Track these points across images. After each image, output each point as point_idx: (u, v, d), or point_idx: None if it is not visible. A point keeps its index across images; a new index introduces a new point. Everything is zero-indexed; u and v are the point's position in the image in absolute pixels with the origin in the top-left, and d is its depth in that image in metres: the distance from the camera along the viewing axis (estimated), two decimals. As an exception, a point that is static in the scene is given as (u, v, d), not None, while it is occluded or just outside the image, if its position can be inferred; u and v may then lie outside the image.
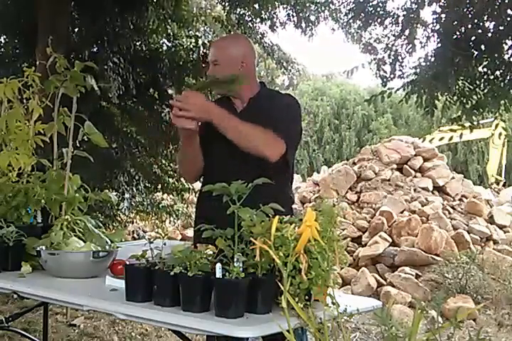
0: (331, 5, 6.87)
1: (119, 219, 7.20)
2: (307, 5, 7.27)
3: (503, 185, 12.30)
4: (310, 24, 7.46)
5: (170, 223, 8.40)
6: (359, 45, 6.70)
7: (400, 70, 5.52)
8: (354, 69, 5.62)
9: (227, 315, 1.73)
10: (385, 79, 5.56)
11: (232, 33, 7.15)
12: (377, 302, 2.19)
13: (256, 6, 7.13)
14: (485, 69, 5.22)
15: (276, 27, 7.50)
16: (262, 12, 7.26)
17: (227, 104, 2.62)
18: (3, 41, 7.20)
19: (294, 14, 7.37)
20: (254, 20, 7.34)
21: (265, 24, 7.45)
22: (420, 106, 5.31)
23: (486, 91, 5.21)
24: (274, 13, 7.40)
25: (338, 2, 6.55)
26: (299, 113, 2.69)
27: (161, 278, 1.85)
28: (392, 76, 5.52)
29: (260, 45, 7.49)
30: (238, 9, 7.21)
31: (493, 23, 5.02)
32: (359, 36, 6.79)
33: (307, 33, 7.55)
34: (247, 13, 7.27)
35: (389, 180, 8.68)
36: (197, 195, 2.95)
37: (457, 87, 5.30)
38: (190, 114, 2.37)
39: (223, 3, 7.45)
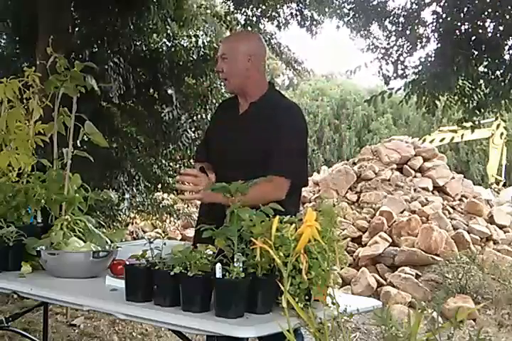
0: (334, 1, 6.78)
1: (119, 219, 7.19)
2: (309, 3, 7.22)
3: (503, 185, 12.29)
4: (314, 22, 7.43)
5: (170, 223, 8.40)
6: (360, 45, 6.68)
7: (402, 69, 5.52)
8: (357, 68, 5.60)
9: (227, 315, 1.73)
10: (387, 78, 5.56)
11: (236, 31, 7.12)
12: (377, 302, 2.20)
13: (263, 5, 7.08)
14: (485, 69, 5.22)
15: (280, 27, 7.47)
16: (269, 11, 7.21)
17: (232, 104, 2.70)
18: (3, 41, 7.19)
19: (298, 13, 7.34)
20: (260, 20, 7.29)
21: (272, 23, 7.41)
22: (420, 107, 5.31)
23: (486, 91, 5.21)
24: (281, 11, 7.35)
25: (339, 2, 6.54)
26: (305, 128, 2.64)
27: (161, 278, 1.85)
28: (394, 75, 5.52)
29: (269, 45, 7.45)
30: (244, 9, 7.17)
31: (493, 23, 5.03)
32: (364, 34, 6.74)
33: (313, 30, 7.49)
34: (253, 13, 7.22)
35: (389, 180, 8.67)
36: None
37: (458, 86, 5.30)
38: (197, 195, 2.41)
39: (227, 3, 7.42)
